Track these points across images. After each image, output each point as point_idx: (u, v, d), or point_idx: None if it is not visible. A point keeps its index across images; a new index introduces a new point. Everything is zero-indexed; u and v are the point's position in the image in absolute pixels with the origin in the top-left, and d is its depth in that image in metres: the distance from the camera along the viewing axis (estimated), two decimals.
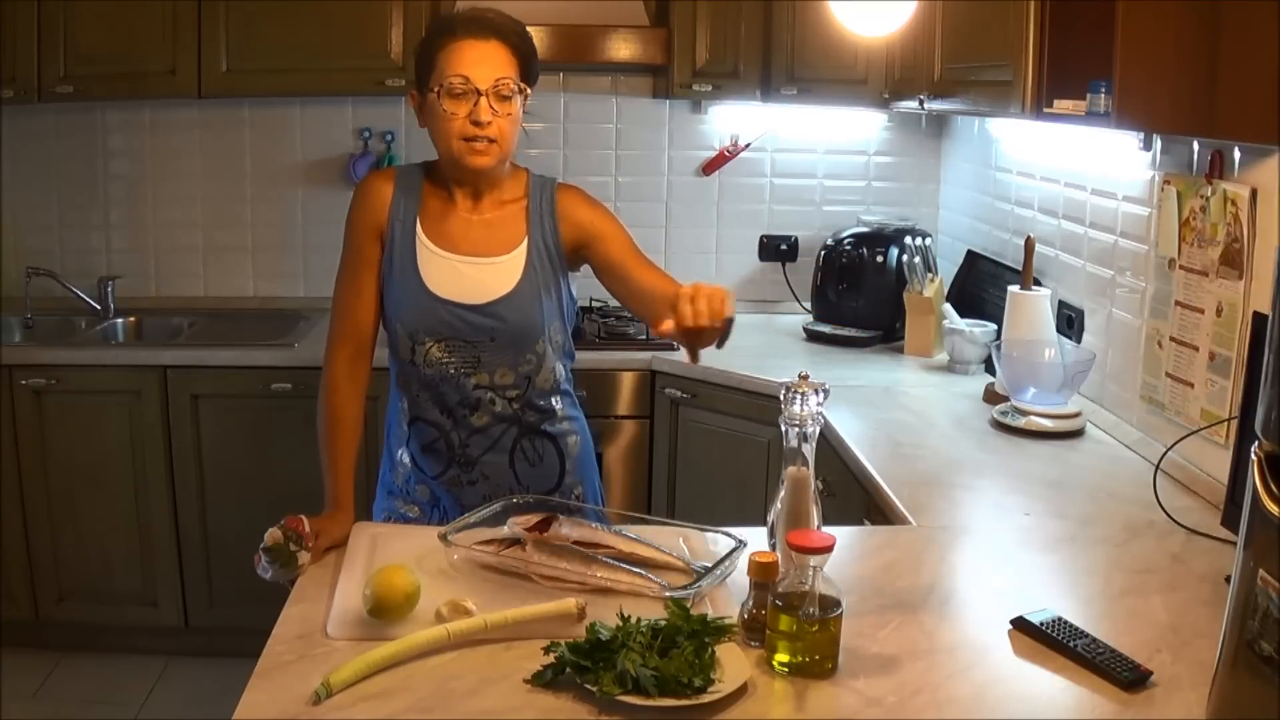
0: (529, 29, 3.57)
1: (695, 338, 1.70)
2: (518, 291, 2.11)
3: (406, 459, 2.24)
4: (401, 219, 2.13)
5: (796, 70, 3.61)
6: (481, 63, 2.02)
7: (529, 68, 2.10)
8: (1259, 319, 1.96)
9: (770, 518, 1.73)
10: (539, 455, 2.21)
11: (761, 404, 3.18)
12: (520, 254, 2.13)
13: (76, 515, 3.54)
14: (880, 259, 3.71)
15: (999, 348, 2.88)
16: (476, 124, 2.02)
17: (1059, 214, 3.06)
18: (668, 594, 1.66)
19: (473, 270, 2.12)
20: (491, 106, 2.02)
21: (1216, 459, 2.25)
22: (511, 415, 2.17)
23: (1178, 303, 2.43)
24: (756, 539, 1.80)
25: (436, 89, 2.03)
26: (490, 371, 2.13)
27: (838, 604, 1.52)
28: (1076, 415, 2.72)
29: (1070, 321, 2.95)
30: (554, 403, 2.23)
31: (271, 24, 3.57)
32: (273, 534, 1.83)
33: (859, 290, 3.72)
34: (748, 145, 4.07)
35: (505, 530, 1.87)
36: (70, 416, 3.48)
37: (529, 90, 2.10)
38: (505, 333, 2.12)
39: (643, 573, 1.74)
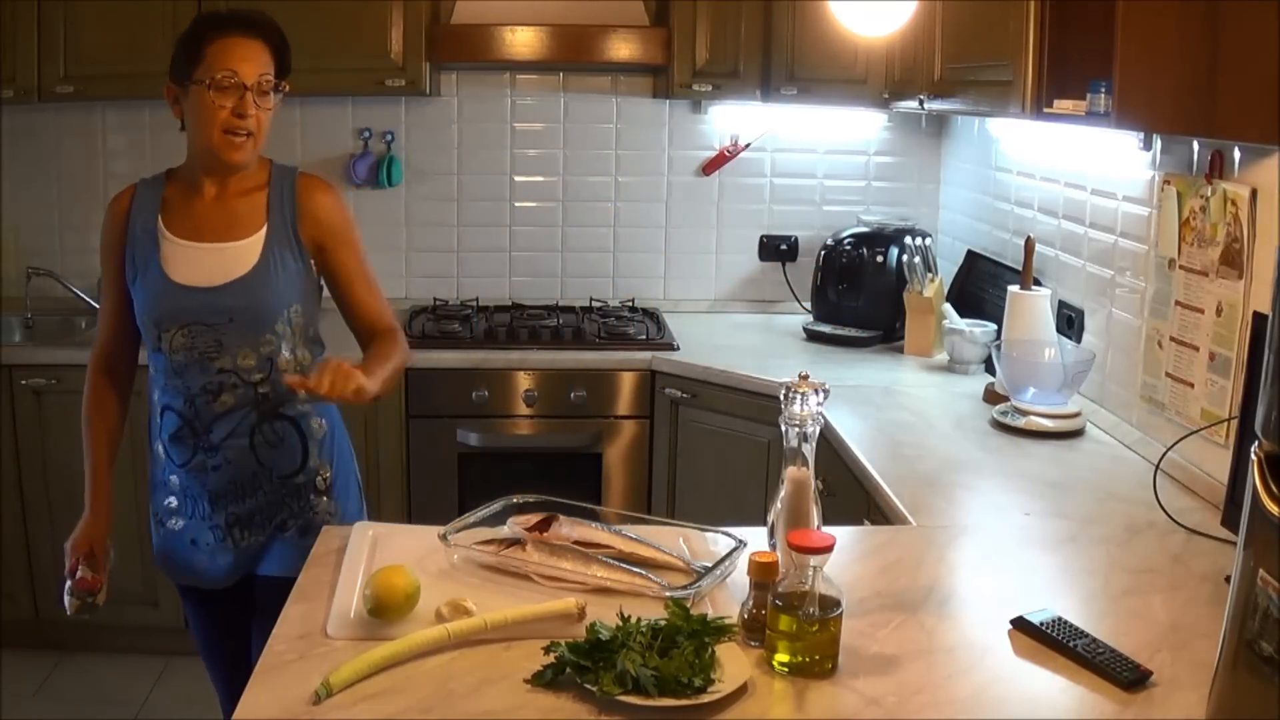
0: (523, 28, 3.62)
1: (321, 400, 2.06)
2: (254, 272, 2.18)
3: (160, 450, 2.27)
4: (142, 222, 2.24)
5: (796, 70, 3.61)
6: (248, 59, 2.16)
7: (284, 64, 2.24)
8: (1259, 319, 1.96)
9: (770, 518, 1.73)
10: (279, 437, 2.23)
11: (761, 404, 3.18)
12: (259, 238, 2.21)
13: (76, 515, 3.52)
14: (880, 259, 3.71)
15: (999, 348, 2.88)
16: (240, 116, 2.15)
17: (1059, 214, 3.06)
18: (668, 594, 1.66)
19: (213, 255, 2.20)
20: (254, 101, 2.16)
21: (1216, 459, 2.25)
22: (252, 399, 2.20)
23: (1178, 303, 2.42)
24: (756, 539, 1.80)
25: (206, 81, 2.13)
26: (233, 354, 2.18)
27: (838, 604, 1.52)
28: (1076, 415, 2.72)
29: (1070, 321, 2.95)
30: None
31: None
32: (72, 604, 2.25)
33: (859, 290, 3.72)
34: (748, 145, 4.07)
35: (505, 530, 1.88)
36: (70, 416, 3.41)
37: (286, 86, 2.24)
38: (242, 313, 2.17)
39: (643, 573, 1.74)
